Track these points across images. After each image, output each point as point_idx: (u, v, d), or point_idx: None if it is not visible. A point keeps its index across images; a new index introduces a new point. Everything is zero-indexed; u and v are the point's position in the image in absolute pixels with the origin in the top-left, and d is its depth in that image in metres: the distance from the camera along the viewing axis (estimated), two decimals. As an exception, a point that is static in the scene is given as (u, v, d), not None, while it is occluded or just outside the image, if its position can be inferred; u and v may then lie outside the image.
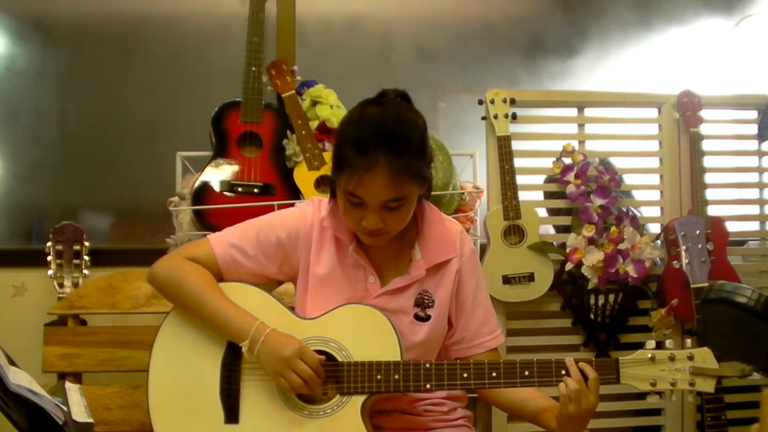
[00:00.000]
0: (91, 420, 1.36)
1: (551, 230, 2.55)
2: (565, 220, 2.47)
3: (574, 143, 2.48)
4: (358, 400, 1.49)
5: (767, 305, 1.06)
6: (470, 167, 2.51)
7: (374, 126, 1.43)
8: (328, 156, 2.33)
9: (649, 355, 1.45)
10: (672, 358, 1.44)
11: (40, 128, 2.62)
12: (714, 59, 2.92)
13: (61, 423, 1.22)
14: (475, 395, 1.75)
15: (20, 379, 1.19)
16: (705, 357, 1.42)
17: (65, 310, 2.01)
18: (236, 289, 1.56)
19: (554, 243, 2.41)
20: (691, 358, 1.43)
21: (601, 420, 2.48)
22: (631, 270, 2.36)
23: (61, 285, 2.30)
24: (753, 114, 2.60)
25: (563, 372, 1.45)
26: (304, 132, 2.34)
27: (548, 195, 2.50)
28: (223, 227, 1.64)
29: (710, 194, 2.48)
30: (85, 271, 2.32)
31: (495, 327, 1.67)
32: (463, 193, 2.40)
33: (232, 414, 1.52)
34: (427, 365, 1.49)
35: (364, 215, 1.46)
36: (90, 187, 2.65)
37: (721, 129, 2.59)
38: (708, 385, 1.42)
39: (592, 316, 2.41)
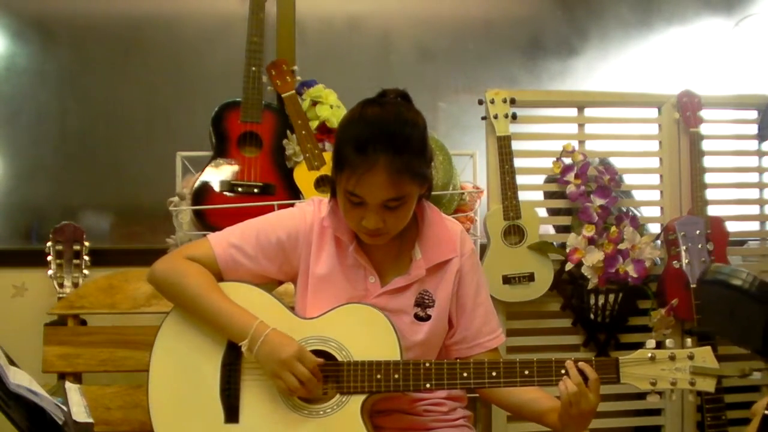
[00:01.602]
0: (91, 420, 1.35)
1: (551, 230, 2.55)
2: (565, 220, 2.47)
3: (574, 143, 2.48)
4: (358, 400, 1.49)
5: (762, 288, 1.07)
6: (470, 167, 2.51)
7: (374, 125, 1.43)
8: (328, 156, 2.33)
9: (649, 355, 1.45)
10: (672, 358, 1.44)
11: (40, 128, 2.62)
12: (714, 59, 2.92)
13: (61, 423, 1.22)
14: (476, 395, 1.75)
15: (20, 379, 1.18)
16: (705, 356, 1.42)
17: (65, 310, 2.01)
18: (236, 288, 1.56)
19: (554, 243, 2.41)
20: (691, 357, 1.43)
21: (601, 420, 2.47)
22: (631, 270, 2.36)
23: (61, 285, 2.30)
24: (753, 114, 2.60)
25: (563, 371, 1.45)
26: (304, 132, 2.34)
27: (548, 195, 2.50)
28: (223, 227, 1.64)
29: (710, 194, 2.48)
30: (85, 271, 2.32)
31: (496, 327, 1.67)
32: (463, 193, 2.40)
33: (232, 414, 1.52)
34: (427, 365, 1.49)
35: (364, 215, 1.46)
36: (90, 187, 2.64)
37: (721, 129, 2.59)
38: (708, 385, 1.42)
39: (592, 316, 2.41)
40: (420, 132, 1.47)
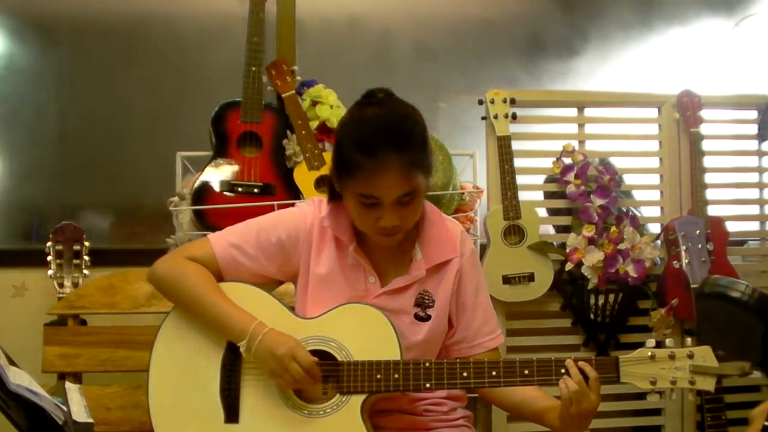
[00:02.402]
0: (91, 420, 1.35)
1: (551, 230, 2.55)
2: (565, 220, 2.47)
3: (574, 143, 2.48)
4: (358, 400, 1.49)
5: (761, 300, 1.07)
6: (470, 167, 2.51)
7: (377, 126, 1.44)
8: (328, 156, 2.33)
9: (649, 354, 1.44)
10: (672, 357, 1.43)
11: (39, 128, 2.62)
12: (714, 59, 2.92)
13: (61, 423, 1.22)
14: (476, 395, 1.75)
15: (20, 379, 1.18)
16: (705, 355, 1.42)
17: (65, 310, 2.01)
18: (236, 288, 1.56)
19: (554, 243, 2.41)
20: (691, 356, 1.43)
21: (601, 420, 2.47)
22: (631, 270, 2.36)
23: (61, 285, 2.30)
24: (753, 114, 2.60)
25: (563, 371, 1.45)
26: (304, 132, 2.34)
27: (548, 195, 2.50)
28: (223, 227, 1.64)
29: (710, 194, 2.48)
30: (85, 271, 2.32)
31: (495, 327, 1.68)
32: (463, 193, 2.40)
33: (232, 414, 1.52)
34: (427, 364, 1.49)
35: (379, 215, 1.46)
36: (90, 187, 2.65)
37: (721, 129, 2.59)
38: (708, 384, 1.42)
39: (592, 316, 2.41)
40: (420, 125, 1.49)
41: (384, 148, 1.41)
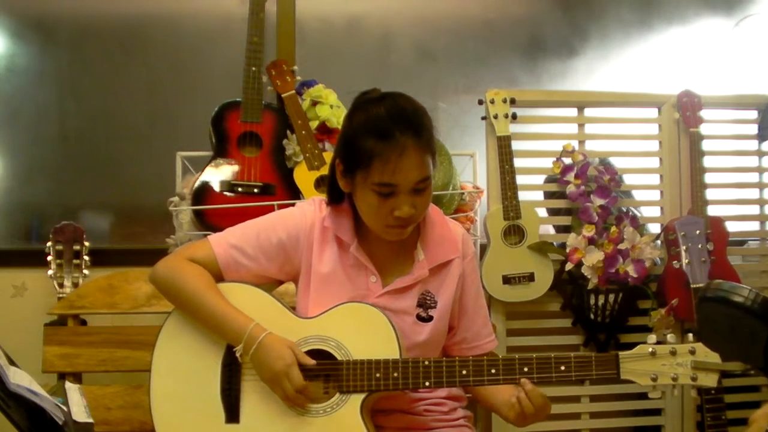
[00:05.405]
0: (91, 420, 1.36)
1: (551, 230, 2.55)
2: (565, 220, 2.47)
3: (574, 143, 2.48)
4: (358, 399, 1.49)
5: (764, 304, 1.06)
6: (470, 167, 2.51)
7: (393, 114, 1.45)
8: (328, 156, 2.33)
9: (650, 350, 1.44)
10: (673, 353, 1.42)
11: (40, 128, 2.62)
12: (714, 59, 2.92)
13: (61, 423, 1.22)
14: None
15: (20, 379, 1.18)
16: (707, 351, 1.41)
17: (65, 310, 2.01)
18: (235, 289, 1.57)
19: (554, 243, 2.40)
20: (692, 352, 1.42)
21: (601, 420, 2.48)
22: (631, 270, 2.36)
23: (61, 285, 2.29)
24: (753, 114, 2.59)
25: (562, 368, 1.46)
26: (304, 132, 2.34)
27: (548, 195, 2.50)
28: (223, 227, 1.64)
29: (710, 194, 2.47)
30: (85, 271, 2.32)
31: (491, 330, 1.71)
32: (463, 193, 2.40)
33: (232, 414, 1.53)
34: (426, 362, 1.49)
35: (395, 204, 1.47)
36: (90, 187, 2.64)
37: (721, 129, 2.58)
38: (711, 380, 1.41)
39: (592, 316, 2.41)
40: (426, 114, 1.52)
41: (402, 132, 1.43)
